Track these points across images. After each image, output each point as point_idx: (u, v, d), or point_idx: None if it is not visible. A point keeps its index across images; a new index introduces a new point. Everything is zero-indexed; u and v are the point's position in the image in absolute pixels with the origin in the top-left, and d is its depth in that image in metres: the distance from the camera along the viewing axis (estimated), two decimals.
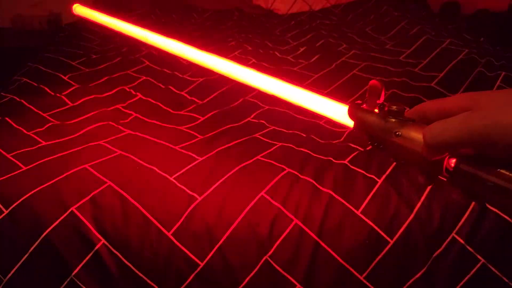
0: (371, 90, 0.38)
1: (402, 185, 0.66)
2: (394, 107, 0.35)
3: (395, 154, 0.36)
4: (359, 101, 0.39)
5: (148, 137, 0.81)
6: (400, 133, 0.34)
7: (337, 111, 0.42)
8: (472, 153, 0.31)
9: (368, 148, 0.35)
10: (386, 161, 0.73)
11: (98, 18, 0.86)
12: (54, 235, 0.64)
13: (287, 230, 0.63)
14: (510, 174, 0.29)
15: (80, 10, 0.88)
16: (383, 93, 0.37)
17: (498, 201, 0.34)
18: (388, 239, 0.62)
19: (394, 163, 0.72)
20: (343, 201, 0.65)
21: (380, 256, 0.62)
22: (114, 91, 1.03)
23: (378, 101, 0.37)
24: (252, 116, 0.91)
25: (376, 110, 0.37)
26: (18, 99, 0.97)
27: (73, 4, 0.91)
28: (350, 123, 0.40)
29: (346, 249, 0.62)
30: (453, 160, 0.31)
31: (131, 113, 0.92)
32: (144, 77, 1.10)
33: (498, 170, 0.29)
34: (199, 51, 0.62)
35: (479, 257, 0.60)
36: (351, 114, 0.39)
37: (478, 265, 0.60)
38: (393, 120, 0.35)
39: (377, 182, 0.67)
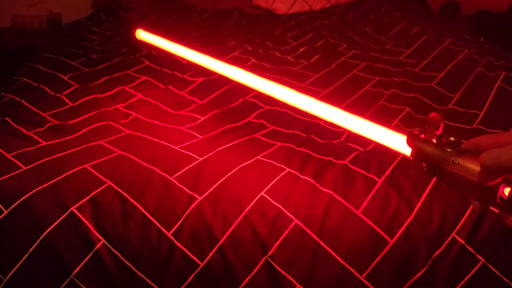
0: (430, 121, 0.41)
1: (402, 185, 0.66)
2: (452, 138, 0.38)
3: (451, 181, 0.38)
4: (417, 131, 0.42)
5: (148, 137, 0.81)
6: (457, 161, 0.37)
7: (395, 140, 0.46)
8: None
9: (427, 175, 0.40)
10: (386, 161, 0.73)
11: (159, 43, 0.91)
12: (54, 235, 0.64)
13: (287, 230, 0.63)
14: None
15: (143, 36, 0.93)
16: (442, 125, 0.41)
17: None
18: (388, 239, 0.62)
19: (394, 164, 0.73)
20: (343, 201, 0.65)
21: (380, 256, 0.62)
22: (114, 91, 1.03)
23: (437, 132, 0.41)
24: (252, 116, 0.91)
25: (434, 141, 0.40)
26: (18, 99, 0.97)
27: (136, 29, 0.95)
28: (407, 151, 0.43)
29: (346, 249, 0.62)
30: (508, 189, 0.33)
31: (131, 113, 0.92)
32: (144, 77, 1.10)
33: None
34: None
35: (479, 257, 0.60)
36: (410, 143, 0.42)
37: (478, 265, 0.60)
38: (450, 150, 0.38)
39: (377, 182, 0.67)
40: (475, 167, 0.35)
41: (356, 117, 0.53)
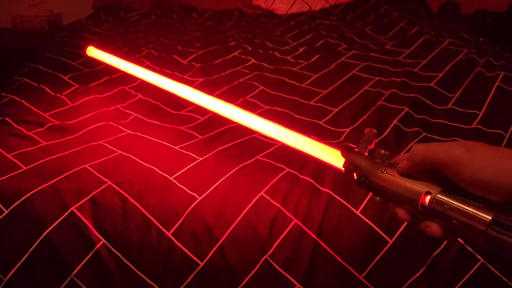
0: (365, 136, 0.45)
1: None
2: (382, 151, 0.43)
3: (378, 190, 0.42)
4: (351, 145, 0.47)
5: (148, 137, 0.81)
6: (385, 171, 0.41)
7: (329, 153, 0.50)
8: (442, 187, 0.36)
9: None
10: None
11: (110, 61, 0.91)
12: (54, 235, 0.64)
13: (287, 230, 0.64)
14: (474, 212, 0.34)
15: (93, 53, 0.93)
16: (375, 141, 0.45)
17: (465, 236, 0.39)
18: (388, 238, 0.62)
19: None
20: (343, 201, 0.65)
21: (379, 256, 0.62)
22: (114, 91, 1.03)
23: (369, 147, 0.44)
24: None
25: (366, 153, 0.44)
26: (18, 99, 0.97)
27: (87, 46, 0.95)
28: (339, 163, 0.47)
29: (346, 249, 0.62)
30: (428, 197, 0.37)
31: (131, 113, 0.92)
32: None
33: (465, 209, 0.34)
34: (202, 94, 0.69)
35: (478, 256, 0.60)
36: (344, 154, 0.46)
37: (478, 264, 0.60)
38: (379, 161, 0.42)
39: None
40: (400, 177, 0.39)
41: (292, 132, 0.57)
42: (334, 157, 0.48)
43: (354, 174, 0.44)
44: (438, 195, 0.36)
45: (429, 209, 0.36)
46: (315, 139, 0.53)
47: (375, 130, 0.45)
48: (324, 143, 0.51)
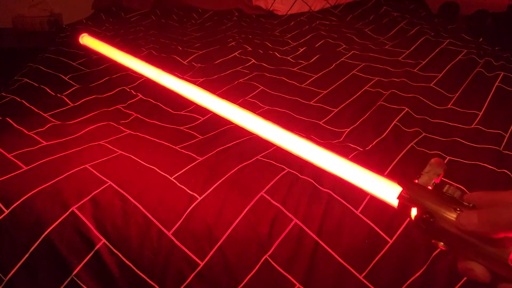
0: (431, 166, 0.35)
1: None
2: (453, 187, 0.33)
3: (446, 234, 0.31)
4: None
5: (148, 137, 0.81)
6: (461, 210, 0.31)
7: (374, 180, 0.40)
8: None
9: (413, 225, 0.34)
10: (385, 161, 0.73)
11: (104, 50, 0.87)
12: (54, 235, 0.64)
13: (287, 230, 0.64)
14: None
15: (87, 40, 0.89)
16: (442, 174, 0.35)
17: None
18: (388, 238, 0.62)
19: (393, 163, 0.73)
20: (343, 201, 0.65)
21: (379, 256, 0.62)
22: (115, 91, 1.03)
23: (435, 180, 0.35)
24: None
25: (430, 187, 0.34)
26: (19, 99, 0.97)
27: (80, 33, 0.91)
28: (391, 198, 0.36)
29: (346, 249, 0.63)
30: None
31: (131, 113, 0.93)
32: (145, 77, 1.10)
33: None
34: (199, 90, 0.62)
35: None
36: (400, 183, 0.36)
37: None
38: (450, 198, 0.32)
39: None
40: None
41: (327, 152, 0.48)
42: (383, 187, 0.38)
43: (413, 209, 0.34)
44: None
45: None
46: (362, 166, 0.43)
47: (444, 161, 0.36)
48: (373, 171, 0.41)
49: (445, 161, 0.35)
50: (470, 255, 0.31)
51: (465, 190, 0.33)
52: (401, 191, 0.35)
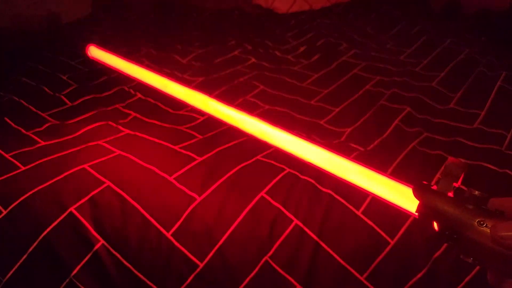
0: (448, 169, 0.31)
1: None
2: (476, 192, 0.29)
3: (474, 249, 0.28)
4: (426, 182, 0.32)
5: (147, 137, 0.81)
6: (485, 223, 0.27)
7: (396, 192, 0.35)
8: None
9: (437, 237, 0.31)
10: (386, 161, 0.73)
11: (112, 60, 0.85)
12: (53, 236, 0.64)
13: (287, 231, 0.63)
14: None
15: (95, 52, 0.88)
16: (462, 175, 0.31)
17: None
18: (389, 239, 0.62)
19: (395, 163, 0.72)
20: (344, 202, 0.64)
21: (380, 257, 0.61)
22: (113, 90, 1.02)
23: (455, 184, 0.31)
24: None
25: (451, 195, 0.31)
26: (17, 99, 0.96)
27: (88, 45, 0.90)
28: (411, 206, 0.33)
29: (347, 250, 0.62)
30: None
31: (130, 113, 0.92)
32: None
33: None
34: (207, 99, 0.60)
35: None
36: (417, 195, 0.32)
37: (478, 267, 0.60)
38: (473, 207, 0.29)
39: None
40: None
41: (343, 159, 0.45)
42: (401, 196, 0.34)
43: (435, 223, 0.31)
44: None
45: None
46: (378, 172, 0.39)
47: (463, 161, 0.31)
48: (389, 177, 0.37)
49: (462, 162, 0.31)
50: (506, 272, 0.27)
51: (487, 195, 0.29)
52: (419, 204, 0.31)
